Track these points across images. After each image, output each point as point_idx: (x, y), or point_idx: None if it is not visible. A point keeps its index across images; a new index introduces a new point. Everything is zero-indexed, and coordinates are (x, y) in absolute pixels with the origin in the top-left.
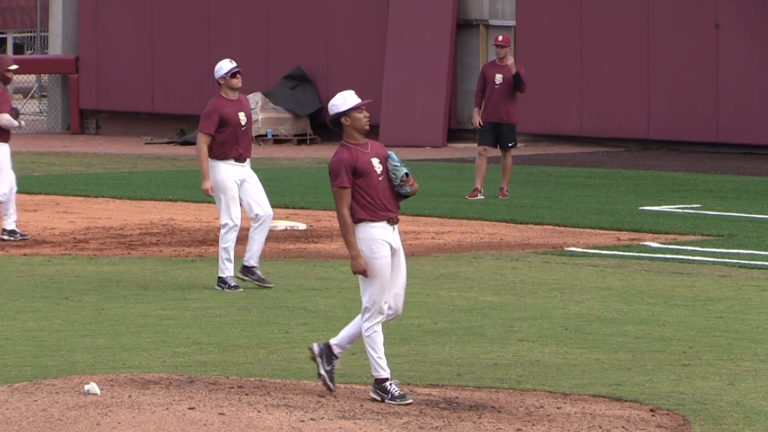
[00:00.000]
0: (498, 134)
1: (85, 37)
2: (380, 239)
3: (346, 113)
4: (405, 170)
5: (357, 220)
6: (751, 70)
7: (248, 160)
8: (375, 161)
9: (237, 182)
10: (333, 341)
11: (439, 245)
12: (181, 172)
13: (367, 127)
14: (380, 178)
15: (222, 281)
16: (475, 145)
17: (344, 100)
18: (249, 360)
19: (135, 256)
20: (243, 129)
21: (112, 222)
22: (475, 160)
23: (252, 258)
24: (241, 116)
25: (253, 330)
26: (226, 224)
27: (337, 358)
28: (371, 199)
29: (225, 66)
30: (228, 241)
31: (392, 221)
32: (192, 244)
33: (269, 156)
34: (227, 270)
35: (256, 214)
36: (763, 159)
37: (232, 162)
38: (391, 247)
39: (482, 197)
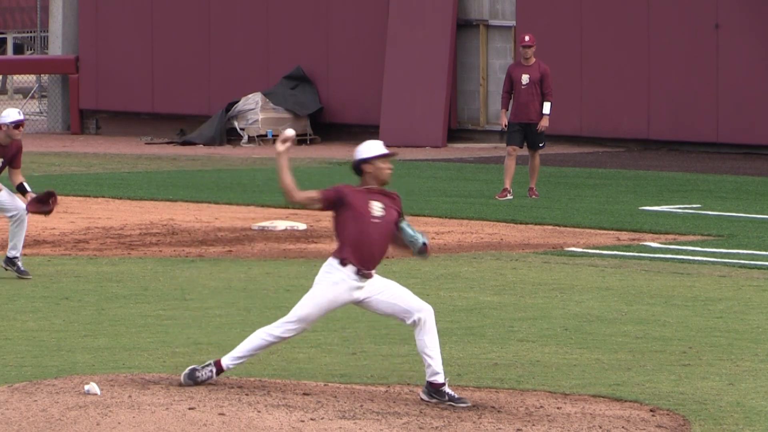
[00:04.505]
0: (527, 134)
1: (85, 37)
2: (344, 286)
3: (369, 160)
4: (423, 240)
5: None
6: (751, 70)
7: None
8: (375, 204)
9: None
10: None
11: (439, 245)
12: (181, 172)
13: (388, 180)
14: (374, 221)
15: None
16: (474, 145)
17: (369, 148)
18: (249, 360)
19: (135, 256)
20: None
21: (112, 222)
22: (504, 160)
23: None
24: None
25: (253, 330)
26: None
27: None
28: (359, 236)
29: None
30: None
31: (361, 273)
32: (192, 244)
33: (269, 156)
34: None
35: (12, 215)
36: (763, 159)
37: None
38: (355, 298)
39: (511, 197)
